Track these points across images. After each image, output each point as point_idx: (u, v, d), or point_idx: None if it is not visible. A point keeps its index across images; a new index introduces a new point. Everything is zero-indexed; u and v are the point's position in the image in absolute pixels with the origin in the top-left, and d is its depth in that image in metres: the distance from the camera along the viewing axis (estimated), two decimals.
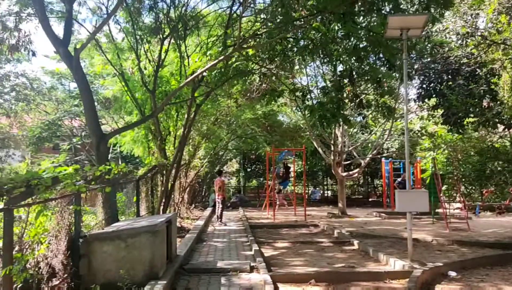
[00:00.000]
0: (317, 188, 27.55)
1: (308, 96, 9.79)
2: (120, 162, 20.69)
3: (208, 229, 12.79)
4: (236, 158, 29.95)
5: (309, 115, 9.04)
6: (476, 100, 9.17)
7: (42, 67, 27.29)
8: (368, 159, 15.59)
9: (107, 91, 15.30)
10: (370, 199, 25.41)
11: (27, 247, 4.98)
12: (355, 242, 9.24)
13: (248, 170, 29.14)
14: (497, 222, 13.17)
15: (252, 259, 7.58)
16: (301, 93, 9.59)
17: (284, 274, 6.36)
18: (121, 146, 14.67)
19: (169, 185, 11.42)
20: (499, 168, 16.44)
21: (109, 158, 22.53)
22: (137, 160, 18.12)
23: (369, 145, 19.59)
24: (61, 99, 21.50)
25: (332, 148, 15.52)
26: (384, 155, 19.10)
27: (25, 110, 20.82)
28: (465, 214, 12.01)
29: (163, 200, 11.24)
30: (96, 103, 21.66)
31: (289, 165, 19.98)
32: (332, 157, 15.44)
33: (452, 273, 6.59)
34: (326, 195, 27.32)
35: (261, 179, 28.03)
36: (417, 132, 17.12)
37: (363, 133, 14.64)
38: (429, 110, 12.62)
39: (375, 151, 15.58)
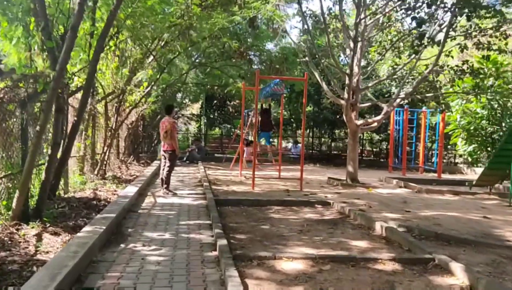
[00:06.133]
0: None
1: None
2: None
3: (144, 203, 7.40)
4: (198, 101, 23.87)
5: None
6: None
7: None
8: (398, 101, 10.32)
9: None
10: (363, 158, 20.78)
11: None
12: (454, 266, 4.12)
13: (211, 116, 23.18)
14: None
15: None
16: None
17: None
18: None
19: (59, 121, 5.81)
20: None
21: None
22: None
23: (391, 82, 14.36)
24: None
25: (347, 82, 10.04)
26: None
27: None
28: None
29: (46, 150, 5.67)
30: None
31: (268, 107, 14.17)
32: (346, 96, 10.07)
33: None
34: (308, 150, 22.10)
35: (229, 126, 22.44)
36: (455, 68, 12.00)
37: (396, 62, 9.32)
38: None
39: (410, 89, 10.39)
